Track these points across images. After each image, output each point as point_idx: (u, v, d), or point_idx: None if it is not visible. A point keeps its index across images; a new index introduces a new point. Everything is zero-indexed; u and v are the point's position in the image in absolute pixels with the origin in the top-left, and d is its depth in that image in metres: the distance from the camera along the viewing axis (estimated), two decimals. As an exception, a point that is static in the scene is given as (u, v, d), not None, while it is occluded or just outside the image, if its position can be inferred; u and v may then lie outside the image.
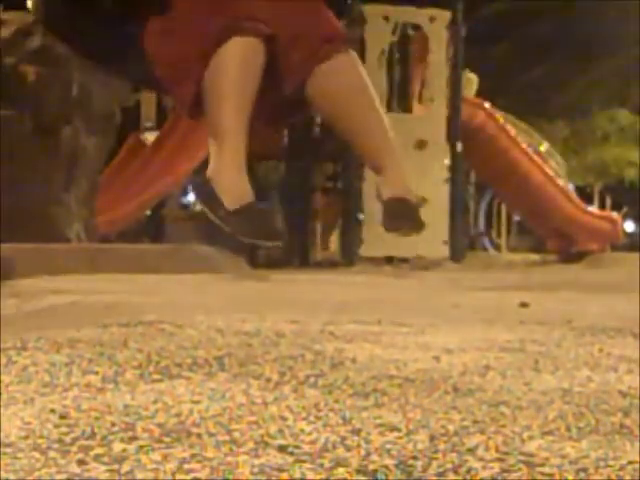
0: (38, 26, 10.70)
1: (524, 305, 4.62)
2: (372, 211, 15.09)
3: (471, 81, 17.25)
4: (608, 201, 25.66)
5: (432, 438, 1.70)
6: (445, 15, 15.60)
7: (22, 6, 11.28)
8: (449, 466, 1.52)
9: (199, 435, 1.70)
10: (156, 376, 2.33)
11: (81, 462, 1.51)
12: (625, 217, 26.01)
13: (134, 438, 1.67)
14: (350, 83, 2.39)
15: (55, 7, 2.31)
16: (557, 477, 1.48)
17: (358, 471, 1.49)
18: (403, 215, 2.55)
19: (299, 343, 2.97)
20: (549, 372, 2.50)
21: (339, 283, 7.91)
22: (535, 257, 18.67)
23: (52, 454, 1.56)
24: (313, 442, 1.66)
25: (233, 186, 2.38)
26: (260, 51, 2.21)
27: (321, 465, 1.51)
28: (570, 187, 19.72)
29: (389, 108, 15.54)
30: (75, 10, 2.26)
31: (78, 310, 4.32)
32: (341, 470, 1.49)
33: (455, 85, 15.74)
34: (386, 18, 15.15)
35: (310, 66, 2.27)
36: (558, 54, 24.66)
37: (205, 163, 2.44)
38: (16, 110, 10.41)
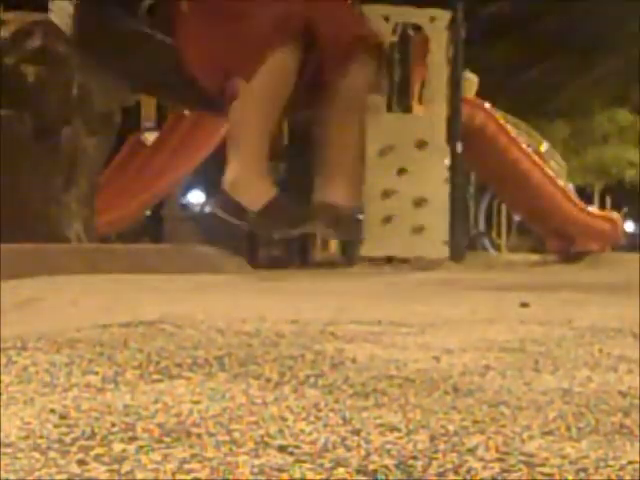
0: (38, 26, 10.70)
1: (524, 305, 4.61)
2: (372, 211, 15.11)
3: (471, 81, 17.25)
4: (608, 201, 25.65)
5: (432, 438, 1.70)
6: (445, 15, 15.60)
7: (22, 6, 11.23)
8: (449, 466, 1.52)
9: (199, 435, 1.70)
10: (156, 376, 2.34)
11: (81, 462, 1.52)
12: (625, 217, 26.00)
13: (134, 438, 1.67)
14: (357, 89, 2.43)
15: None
16: (557, 477, 1.48)
17: (358, 471, 1.49)
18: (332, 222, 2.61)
19: (299, 343, 2.97)
20: (549, 372, 2.50)
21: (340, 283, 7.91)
22: (535, 257, 18.66)
23: (52, 454, 1.56)
24: (313, 442, 1.66)
25: (252, 189, 2.41)
26: (297, 58, 2.24)
27: (321, 465, 1.51)
28: (570, 187, 19.71)
29: (389, 108, 15.55)
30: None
31: (78, 310, 4.32)
32: (341, 470, 1.49)
33: (455, 85, 15.75)
34: (386, 18, 15.15)
35: (344, 63, 2.28)
36: (558, 54, 24.66)
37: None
38: (16, 110, 10.41)
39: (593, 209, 20.63)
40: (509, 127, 17.46)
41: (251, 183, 2.35)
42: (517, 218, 22.66)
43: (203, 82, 2.30)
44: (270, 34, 2.20)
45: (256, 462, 1.53)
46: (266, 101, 2.29)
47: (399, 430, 1.77)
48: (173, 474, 1.47)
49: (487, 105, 17.18)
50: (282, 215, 2.30)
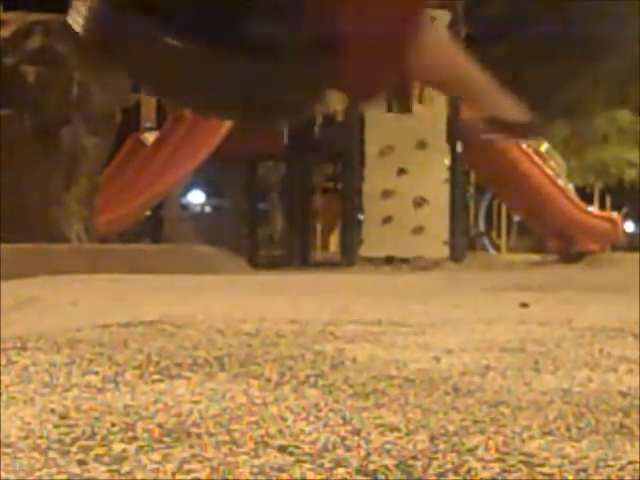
0: (38, 26, 10.70)
1: (524, 305, 4.62)
2: (372, 211, 15.12)
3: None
4: (608, 201, 25.66)
5: (432, 438, 1.70)
6: (445, 15, 15.60)
7: (22, 6, 11.19)
8: (449, 466, 1.52)
9: (199, 435, 1.70)
10: (156, 376, 2.34)
11: (81, 462, 1.52)
12: (625, 217, 25.99)
13: (134, 438, 1.67)
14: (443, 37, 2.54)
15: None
16: (557, 477, 1.48)
17: (358, 471, 1.49)
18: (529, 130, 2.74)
19: (299, 343, 2.97)
20: (549, 372, 2.50)
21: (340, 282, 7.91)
22: (535, 257, 18.66)
23: (52, 454, 1.56)
24: (313, 442, 1.66)
25: (513, 110, 2.56)
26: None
27: (321, 465, 1.51)
28: (570, 187, 19.70)
29: (389, 108, 15.55)
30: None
31: (78, 310, 4.32)
32: (341, 470, 1.49)
33: (455, 85, 15.72)
34: (386, 18, 15.13)
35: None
36: (558, 54, 24.65)
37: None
38: (16, 110, 10.41)
39: (593, 209, 20.62)
40: (509, 127, 17.39)
41: (511, 105, 2.48)
42: (517, 218, 22.68)
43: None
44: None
45: (256, 462, 1.53)
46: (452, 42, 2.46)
47: (399, 430, 1.77)
48: (173, 474, 1.47)
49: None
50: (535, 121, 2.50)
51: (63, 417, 1.84)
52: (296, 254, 16.34)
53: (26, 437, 1.68)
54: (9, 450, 1.58)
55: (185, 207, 21.38)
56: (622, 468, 1.53)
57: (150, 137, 16.29)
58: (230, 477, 1.46)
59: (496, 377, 2.40)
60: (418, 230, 15.10)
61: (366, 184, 15.05)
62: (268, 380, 2.29)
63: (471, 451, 1.61)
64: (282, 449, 1.61)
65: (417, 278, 9.54)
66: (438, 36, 2.38)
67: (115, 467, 1.49)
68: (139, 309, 4.11)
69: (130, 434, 1.70)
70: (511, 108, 2.49)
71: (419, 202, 15.13)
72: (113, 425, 1.77)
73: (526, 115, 2.57)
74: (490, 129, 2.63)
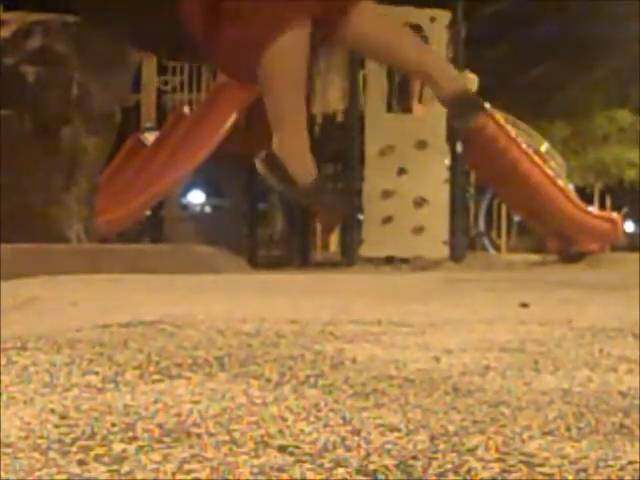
0: (38, 26, 10.70)
1: (524, 305, 4.62)
2: (372, 211, 15.13)
3: (471, 81, 17.22)
4: (608, 201, 25.64)
5: (432, 438, 1.70)
6: (445, 15, 15.60)
7: (22, 6, 11.19)
8: (449, 466, 1.52)
9: (199, 435, 1.70)
10: (156, 376, 2.33)
11: (81, 462, 1.52)
12: (625, 217, 25.98)
13: (134, 438, 1.67)
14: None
15: None
16: (557, 477, 1.48)
17: (358, 471, 1.49)
18: (468, 106, 2.65)
19: (299, 343, 2.97)
20: (549, 372, 2.50)
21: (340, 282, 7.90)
22: (535, 257, 18.65)
23: (52, 454, 1.56)
24: (313, 442, 1.66)
25: (300, 162, 2.48)
26: (307, 39, 2.33)
27: (321, 465, 1.51)
28: (570, 187, 19.69)
29: (389, 108, 15.54)
30: None
31: (78, 310, 4.32)
32: (341, 470, 1.49)
33: (455, 85, 15.71)
34: (386, 18, 15.12)
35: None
36: (558, 54, 24.65)
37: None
38: (16, 110, 10.41)
39: (593, 209, 20.61)
40: (509, 127, 17.44)
41: (301, 156, 2.42)
42: (517, 218, 22.68)
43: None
44: (280, 22, 2.29)
45: (256, 462, 1.53)
46: (300, 78, 2.39)
47: (399, 430, 1.77)
48: (173, 474, 1.47)
49: (487, 105, 17.12)
50: (326, 196, 2.44)
51: (63, 417, 1.84)
52: (296, 254, 16.34)
53: (26, 437, 1.68)
54: (9, 450, 1.58)
55: (185, 207, 21.37)
56: (622, 468, 1.53)
57: (150, 137, 16.28)
58: (230, 477, 1.46)
59: (496, 377, 2.40)
60: (418, 230, 15.10)
61: (366, 184, 15.05)
62: (268, 380, 2.29)
63: (471, 451, 1.62)
64: (282, 449, 1.61)
65: (417, 278, 9.54)
66: (293, 48, 2.38)
67: (115, 467, 1.49)
68: (139, 309, 4.11)
69: (130, 434, 1.70)
70: (298, 158, 2.44)
71: (419, 202, 15.13)
72: (113, 425, 1.77)
73: (310, 174, 2.53)
74: (264, 162, 2.54)
